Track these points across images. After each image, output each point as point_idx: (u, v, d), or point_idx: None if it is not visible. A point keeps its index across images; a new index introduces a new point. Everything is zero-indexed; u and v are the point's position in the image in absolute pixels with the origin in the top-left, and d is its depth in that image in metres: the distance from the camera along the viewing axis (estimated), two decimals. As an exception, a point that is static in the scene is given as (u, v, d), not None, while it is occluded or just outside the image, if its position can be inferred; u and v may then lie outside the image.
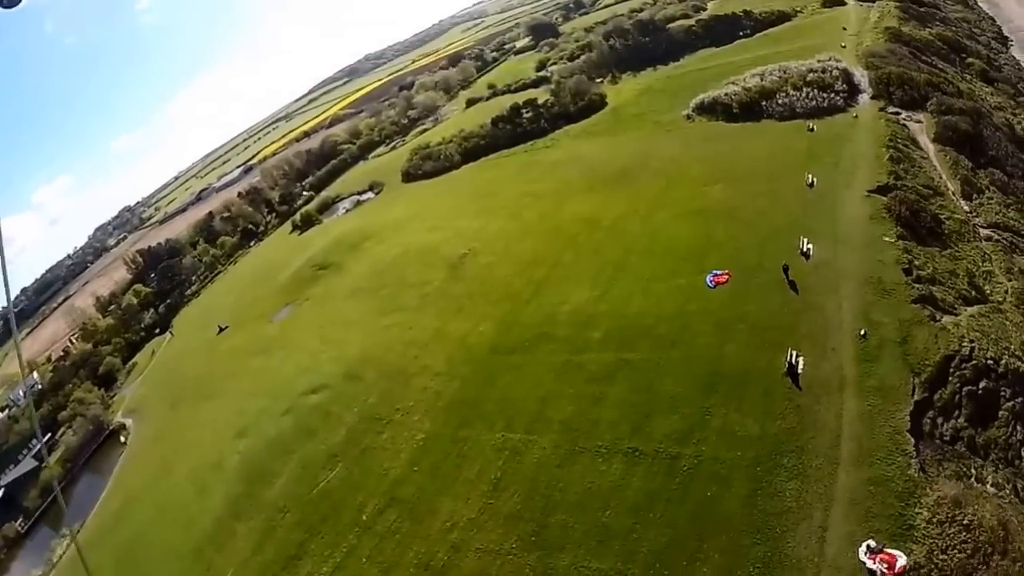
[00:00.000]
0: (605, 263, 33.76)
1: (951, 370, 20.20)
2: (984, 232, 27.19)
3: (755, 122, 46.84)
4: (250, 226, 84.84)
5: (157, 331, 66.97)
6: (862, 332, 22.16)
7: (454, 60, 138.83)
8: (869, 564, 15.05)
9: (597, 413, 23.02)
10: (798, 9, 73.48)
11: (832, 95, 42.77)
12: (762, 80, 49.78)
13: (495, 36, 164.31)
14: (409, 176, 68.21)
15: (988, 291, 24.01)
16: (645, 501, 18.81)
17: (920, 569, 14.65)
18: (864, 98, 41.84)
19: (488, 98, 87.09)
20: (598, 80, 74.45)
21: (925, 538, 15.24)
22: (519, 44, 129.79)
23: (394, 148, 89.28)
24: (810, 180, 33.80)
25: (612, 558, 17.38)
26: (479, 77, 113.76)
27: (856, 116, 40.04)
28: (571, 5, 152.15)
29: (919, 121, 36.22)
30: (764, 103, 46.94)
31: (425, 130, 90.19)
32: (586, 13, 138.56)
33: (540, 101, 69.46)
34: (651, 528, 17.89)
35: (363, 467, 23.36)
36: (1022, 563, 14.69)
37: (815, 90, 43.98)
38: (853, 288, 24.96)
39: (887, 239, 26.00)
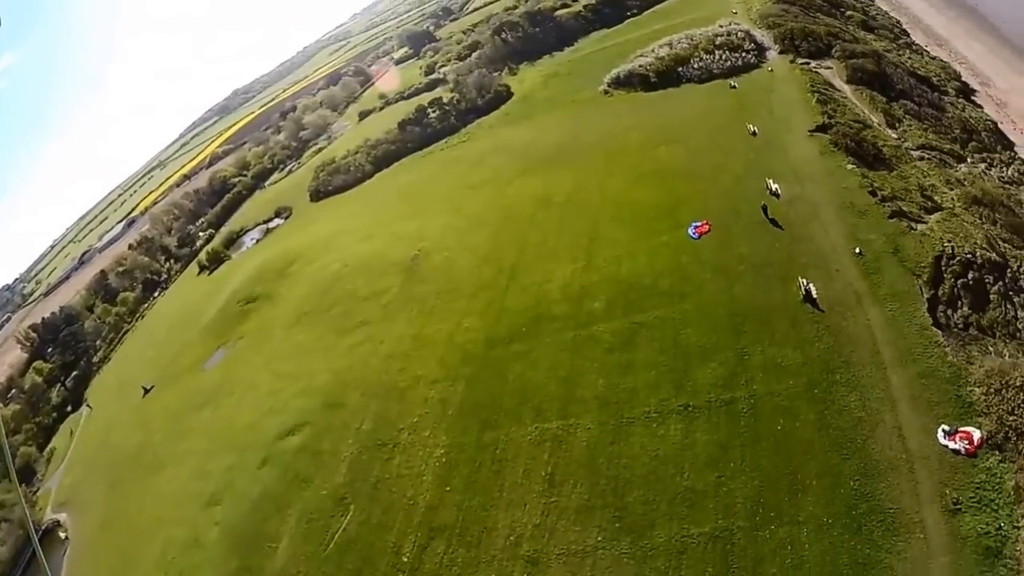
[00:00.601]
0: (577, 236, 34.68)
1: (943, 268, 23.93)
2: (915, 154, 32.89)
3: (675, 88, 51.72)
4: (151, 276, 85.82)
5: (70, 408, 64.21)
6: (857, 250, 25.30)
7: (333, 79, 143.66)
8: (951, 445, 17.07)
9: (631, 380, 23.33)
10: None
11: (744, 54, 48.76)
12: (672, 49, 55.23)
13: (366, 53, 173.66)
14: (319, 194, 68.62)
15: (939, 200, 28.93)
16: (719, 452, 19.37)
17: (997, 435, 16.99)
18: (772, 54, 48.35)
19: (381, 108, 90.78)
20: (496, 73, 77.68)
21: (988, 409, 17.67)
22: (397, 55, 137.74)
23: (291, 172, 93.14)
24: (752, 130, 38.01)
25: (710, 519, 17.55)
26: (364, 91, 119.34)
27: (771, 70, 46.10)
28: (440, 13, 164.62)
29: (829, 67, 42.79)
30: (680, 69, 51.92)
31: (321, 149, 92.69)
32: (456, 19, 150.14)
33: (445, 100, 70.82)
34: (737, 477, 18.44)
35: (382, 503, 20.97)
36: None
37: (726, 51, 49.78)
38: (832, 215, 28.47)
39: (849, 167, 30.23)
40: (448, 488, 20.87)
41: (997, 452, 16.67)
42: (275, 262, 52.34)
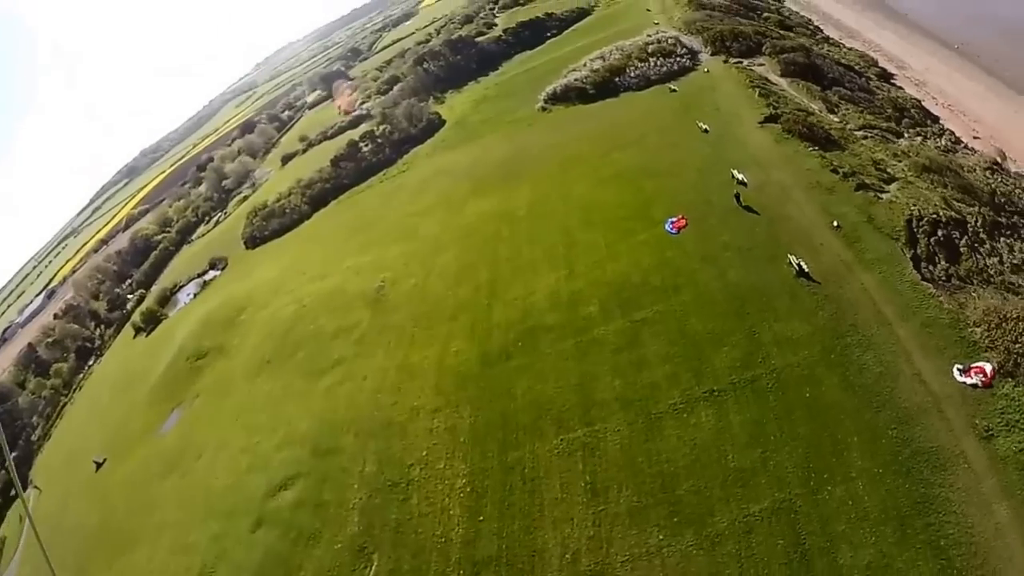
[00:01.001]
0: (551, 245, 35.77)
1: (915, 229, 27.07)
2: (859, 133, 37.22)
3: (615, 97, 55.47)
4: (83, 344, 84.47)
5: (13, 493, 58.48)
6: (835, 223, 28.05)
7: (247, 128, 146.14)
8: (969, 380, 19.19)
9: (648, 376, 24.13)
10: (594, 4, 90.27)
11: (678, 59, 53.41)
12: (605, 61, 59.43)
13: (276, 100, 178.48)
14: (255, 240, 68.09)
15: (892, 172, 32.81)
16: (756, 429, 20.42)
17: (1006, 364, 19.25)
18: (705, 56, 53.34)
19: (305, 150, 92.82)
20: (423, 103, 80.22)
21: (993, 343, 20.02)
22: (310, 98, 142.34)
23: (218, 222, 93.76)
24: (703, 127, 41.48)
25: (766, 493, 18.35)
26: (282, 136, 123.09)
27: (707, 71, 50.74)
28: (348, 55, 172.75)
29: (762, 64, 47.78)
30: (617, 79, 55.98)
31: (246, 196, 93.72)
32: (367, 58, 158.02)
33: (377, 132, 72.04)
34: (781, 449, 19.48)
35: (410, 546, 19.94)
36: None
37: (660, 58, 54.34)
38: (802, 195, 31.45)
39: (808, 150, 33.72)
40: (481, 518, 20.35)
41: (1010, 379, 18.91)
42: (221, 312, 50.51)
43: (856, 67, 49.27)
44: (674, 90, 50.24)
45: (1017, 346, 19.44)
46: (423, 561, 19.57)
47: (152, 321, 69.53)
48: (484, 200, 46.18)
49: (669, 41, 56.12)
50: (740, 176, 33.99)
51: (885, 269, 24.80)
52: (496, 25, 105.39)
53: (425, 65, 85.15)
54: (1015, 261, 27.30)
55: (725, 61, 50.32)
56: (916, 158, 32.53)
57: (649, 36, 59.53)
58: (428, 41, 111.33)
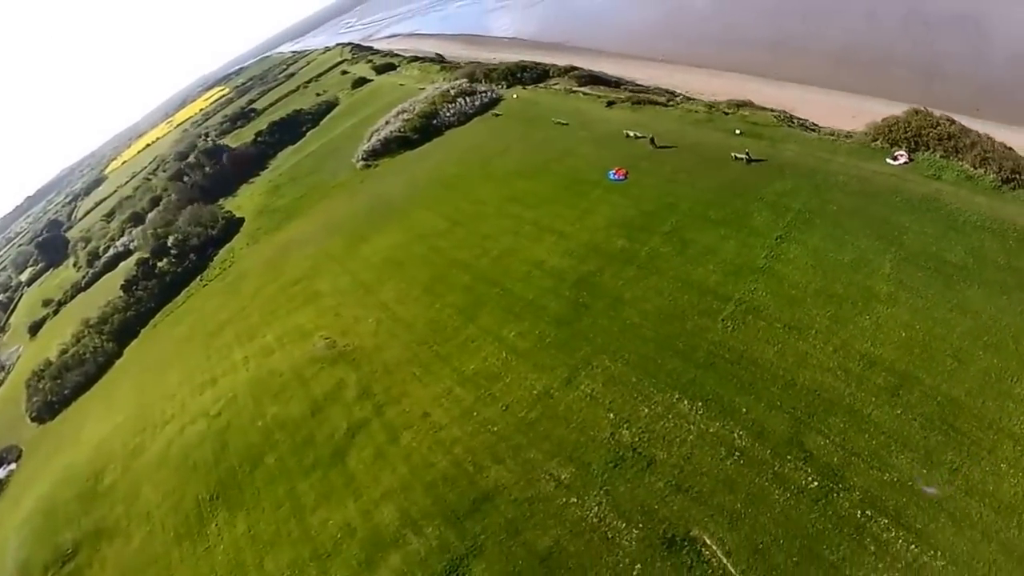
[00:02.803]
0: (518, 234, 36.10)
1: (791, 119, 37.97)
2: (665, 100, 49.31)
3: (440, 136, 58.96)
4: None
5: None
6: (737, 131, 37.26)
7: None
8: (899, 162, 28.86)
9: (704, 329, 23.56)
10: (337, 97, 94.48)
11: (481, 95, 60.45)
12: (413, 111, 62.81)
13: None
14: (54, 406, 49.40)
15: (712, 109, 44.62)
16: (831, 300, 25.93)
17: (912, 148, 29.34)
18: (501, 90, 61.71)
19: (56, 310, 75.90)
20: (208, 207, 71.20)
21: (895, 142, 30.30)
22: (25, 276, 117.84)
23: None
24: (562, 121, 48.28)
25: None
26: (9, 318, 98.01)
27: (516, 96, 58.93)
28: (48, 226, 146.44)
29: (557, 84, 58.29)
30: (435, 121, 60.00)
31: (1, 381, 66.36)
32: (71, 227, 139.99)
33: (170, 242, 60.10)
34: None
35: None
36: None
37: (466, 97, 60.69)
38: (691, 128, 40.32)
39: (662, 110, 43.28)
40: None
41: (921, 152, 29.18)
42: (65, 492, 33.77)
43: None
44: (498, 114, 56.78)
45: (905, 136, 30.26)
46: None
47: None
48: (386, 235, 43.64)
49: (465, 85, 63.16)
50: (635, 133, 41.32)
51: (798, 140, 34.38)
52: (222, 142, 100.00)
53: (186, 178, 76.29)
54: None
55: (524, 87, 59.52)
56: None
57: (435, 87, 65.68)
58: (154, 175, 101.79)
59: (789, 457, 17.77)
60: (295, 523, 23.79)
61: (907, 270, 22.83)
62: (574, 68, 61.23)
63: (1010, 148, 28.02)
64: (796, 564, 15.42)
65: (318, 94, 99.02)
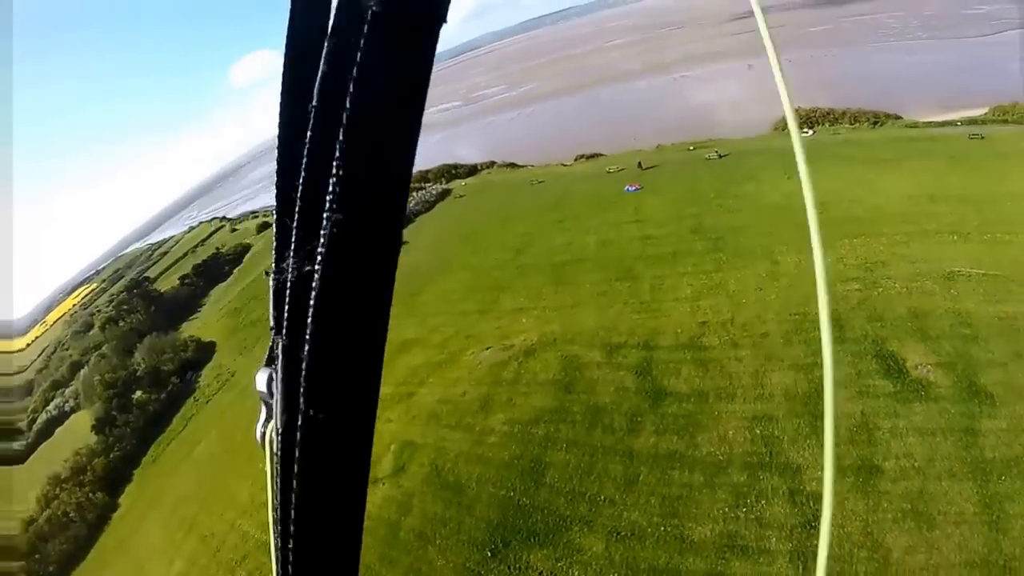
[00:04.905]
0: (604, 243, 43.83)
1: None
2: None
3: (411, 223, 63.24)
4: None
5: None
6: (714, 154, 52.54)
7: None
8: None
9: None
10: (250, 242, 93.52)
11: (431, 188, 68.28)
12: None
13: None
14: None
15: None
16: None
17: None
18: (442, 184, 70.28)
19: None
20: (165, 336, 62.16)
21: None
22: None
23: None
24: (539, 181, 58.83)
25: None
26: None
27: (465, 183, 68.05)
28: None
29: (489, 175, 69.39)
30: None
31: None
32: None
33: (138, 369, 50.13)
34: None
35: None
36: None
37: (414, 192, 67.60)
38: (663, 155, 54.58)
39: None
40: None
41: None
42: None
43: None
44: (463, 195, 64.85)
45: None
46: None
47: None
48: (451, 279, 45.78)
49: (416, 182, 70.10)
50: (616, 167, 54.06)
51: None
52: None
53: (121, 323, 65.46)
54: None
55: (464, 180, 69.87)
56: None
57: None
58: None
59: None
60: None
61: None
62: (493, 163, 73.78)
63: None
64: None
65: (218, 248, 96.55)
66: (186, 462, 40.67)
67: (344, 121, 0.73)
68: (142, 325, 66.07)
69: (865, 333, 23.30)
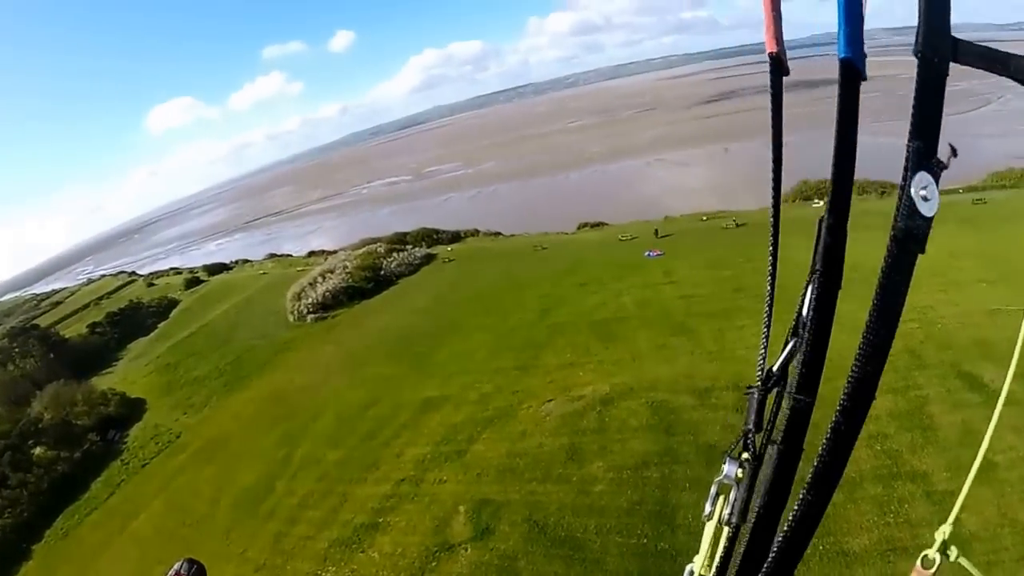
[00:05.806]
0: (643, 302, 43.57)
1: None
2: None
3: (395, 284, 60.18)
4: None
5: None
6: (729, 223, 55.03)
7: None
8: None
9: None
10: (179, 295, 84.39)
11: (414, 250, 66.03)
12: (349, 265, 62.92)
13: None
14: None
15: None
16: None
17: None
18: (426, 248, 68.46)
19: None
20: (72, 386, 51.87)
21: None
22: None
23: None
24: (542, 247, 58.70)
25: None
26: None
27: (451, 249, 66.38)
28: None
29: (473, 241, 68.75)
30: (382, 271, 61.56)
31: None
32: None
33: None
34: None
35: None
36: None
37: (403, 253, 65.27)
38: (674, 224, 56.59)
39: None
40: None
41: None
42: None
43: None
44: (451, 260, 62.93)
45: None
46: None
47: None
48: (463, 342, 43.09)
49: (387, 247, 67.79)
50: (628, 235, 55.29)
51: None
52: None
53: (11, 367, 53.65)
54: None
55: (448, 246, 68.74)
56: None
57: (343, 258, 67.55)
58: None
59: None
60: None
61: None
62: (477, 231, 73.72)
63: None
64: None
65: (136, 299, 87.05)
66: (119, 538, 33.43)
67: None
68: (36, 372, 57.41)
69: (941, 359, 25.38)
